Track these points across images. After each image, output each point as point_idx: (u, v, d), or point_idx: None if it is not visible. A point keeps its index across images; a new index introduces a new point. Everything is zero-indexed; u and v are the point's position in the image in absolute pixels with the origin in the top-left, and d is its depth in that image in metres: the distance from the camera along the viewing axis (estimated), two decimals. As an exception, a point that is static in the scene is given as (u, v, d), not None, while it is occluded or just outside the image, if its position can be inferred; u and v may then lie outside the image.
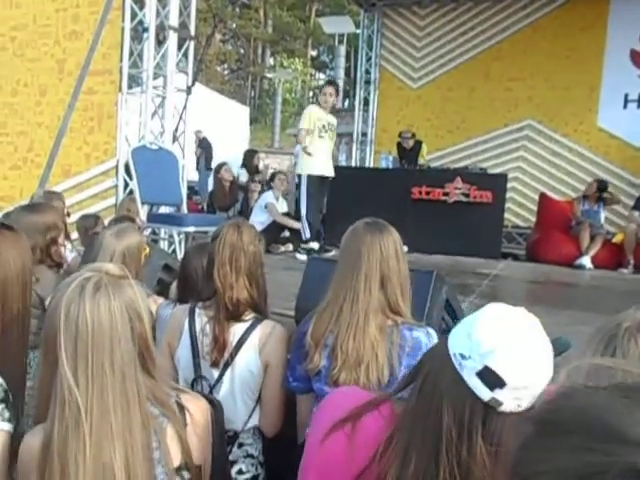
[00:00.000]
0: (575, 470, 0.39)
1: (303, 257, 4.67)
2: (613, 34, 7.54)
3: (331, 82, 5.42)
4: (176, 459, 1.07)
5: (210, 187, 7.87)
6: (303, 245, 4.95)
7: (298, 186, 5.09)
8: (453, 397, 0.86)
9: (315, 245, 4.87)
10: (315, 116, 4.79)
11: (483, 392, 0.84)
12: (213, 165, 7.81)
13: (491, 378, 0.83)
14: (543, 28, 7.92)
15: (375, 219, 1.55)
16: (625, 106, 7.58)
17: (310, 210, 4.80)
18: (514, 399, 0.84)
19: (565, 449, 0.41)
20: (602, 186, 6.10)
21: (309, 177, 4.78)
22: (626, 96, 7.56)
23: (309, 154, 4.77)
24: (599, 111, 7.70)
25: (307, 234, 4.85)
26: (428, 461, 0.86)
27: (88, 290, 1.01)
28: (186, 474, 1.09)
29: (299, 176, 4.88)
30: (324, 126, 4.82)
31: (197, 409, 1.16)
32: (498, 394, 0.84)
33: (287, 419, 1.74)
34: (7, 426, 1.08)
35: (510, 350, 0.84)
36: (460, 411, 0.85)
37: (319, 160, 4.81)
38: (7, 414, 1.07)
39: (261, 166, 8.04)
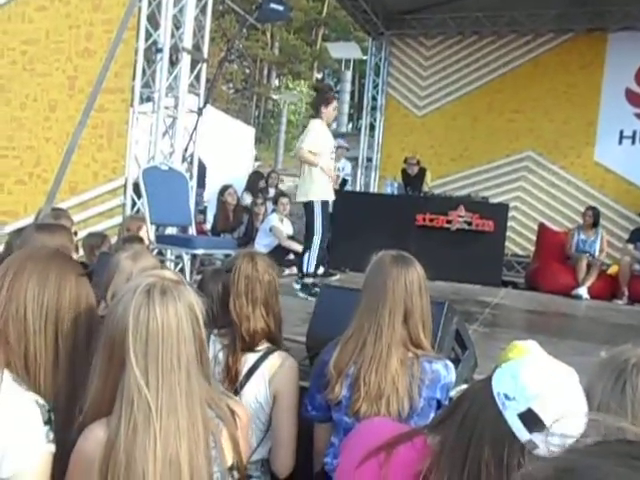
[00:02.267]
0: None
1: (302, 294, 4.27)
2: (610, 72, 7.80)
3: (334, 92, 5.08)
4: (229, 459, 1.14)
5: (203, 204, 7.90)
6: (302, 279, 4.41)
7: (309, 213, 4.47)
8: (493, 435, 0.89)
9: (309, 280, 4.37)
10: (324, 137, 4.39)
11: (522, 433, 0.87)
12: (208, 183, 7.83)
13: (532, 421, 0.87)
14: (544, 64, 8.15)
15: (400, 252, 1.57)
16: (620, 142, 7.81)
17: (324, 240, 4.39)
18: (549, 445, 0.86)
19: None
20: (595, 214, 6.30)
21: (322, 203, 4.37)
22: (621, 132, 7.79)
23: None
24: (596, 146, 7.91)
25: (310, 267, 4.35)
26: None
27: (156, 294, 1.07)
28: (236, 474, 1.15)
29: (309, 203, 4.39)
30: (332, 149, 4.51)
31: (243, 413, 1.22)
32: (536, 437, 0.87)
33: (301, 449, 1.73)
34: (52, 447, 1.10)
35: (555, 397, 0.88)
36: (499, 449, 0.88)
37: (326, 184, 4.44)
38: (52, 435, 1.09)
39: (273, 187, 8.02)
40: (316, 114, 4.51)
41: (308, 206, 4.39)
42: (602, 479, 0.42)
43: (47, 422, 1.09)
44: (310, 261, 4.33)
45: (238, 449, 1.15)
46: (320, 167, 4.28)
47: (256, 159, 16.37)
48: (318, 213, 4.33)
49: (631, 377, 0.96)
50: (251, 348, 1.69)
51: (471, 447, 0.90)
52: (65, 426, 1.12)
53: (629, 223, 7.34)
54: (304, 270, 4.37)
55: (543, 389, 0.88)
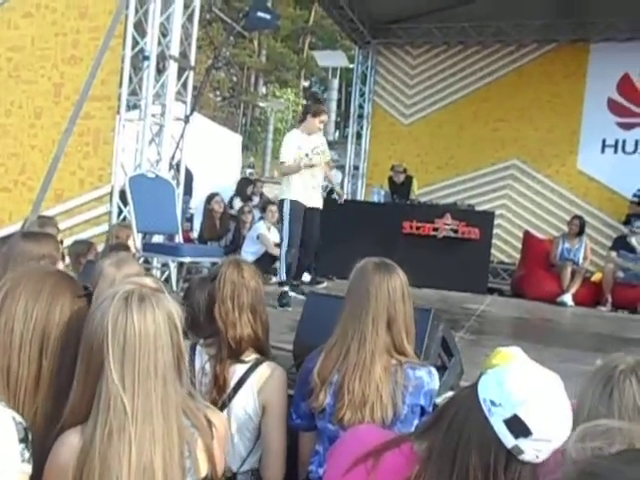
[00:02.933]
0: None
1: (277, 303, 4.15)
2: (592, 82, 7.93)
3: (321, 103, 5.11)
4: (203, 470, 1.13)
5: (190, 212, 7.87)
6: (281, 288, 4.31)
7: (280, 213, 4.47)
8: (480, 440, 0.90)
9: (286, 288, 4.28)
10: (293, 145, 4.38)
11: (508, 439, 0.89)
12: (195, 191, 7.81)
13: (518, 427, 0.88)
14: (528, 74, 8.26)
15: (383, 259, 1.59)
16: (603, 151, 7.94)
17: (292, 246, 4.28)
18: (535, 450, 0.88)
19: None
20: (581, 223, 6.42)
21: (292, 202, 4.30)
22: (604, 141, 7.92)
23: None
24: (579, 154, 8.02)
25: (281, 276, 4.30)
26: None
27: (134, 301, 1.08)
28: None
29: (281, 202, 4.40)
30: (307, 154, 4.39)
31: (221, 424, 1.22)
32: (521, 443, 0.88)
33: (286, 457, 1.72)
34: (27, 468, 1.07)
35: (540, 403, 0.89)
36: (486, 454, 0.90)
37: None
38: (27, 454, 1.07)
39: (258, 196, 8.05)
40: (301, 121, 4.60)
41: (280, 205, 4.44)
42: None
43: (22, 440, 1.06)
44: (280, 271, 4.31)
45: (213, 460, 1.14)
46: (303, 164, 4.27)
47: (250, 166, 16.37)
48: (287, 213, 4.29)
49: (618, 383, 0.99)
50: (237, 356, 1.68)
51: (458, 453, 0.91)
52: (42, 446, 1.10)
53: (612, 231, 7.45)
54: (278, 279, 4.38)
55: (528, 395, 0.89)
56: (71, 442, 1.05)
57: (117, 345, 1.06)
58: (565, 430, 0.89)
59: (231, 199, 7.92)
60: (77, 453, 1.03)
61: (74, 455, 1.03)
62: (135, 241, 3.73)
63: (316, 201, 4.52)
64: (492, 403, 0.91)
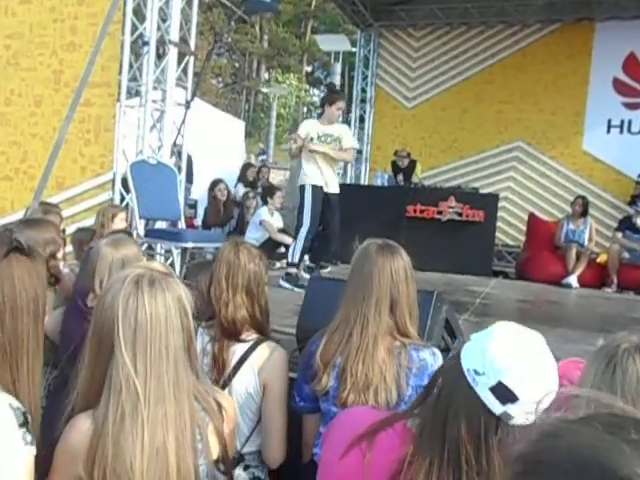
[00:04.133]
0: None
1: (286, 285, 4.23)
2: (597, 62, 7.80)
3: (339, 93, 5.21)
4: (215, 452, 1.14)
5: (192, 199, 7.86)
6: (288, 269, 4.40)
7: (301, 198, 4.52)
8: (468, 411, 0.90)
9: (293, 270, 4.35)
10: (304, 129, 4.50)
11: (495, 406, 0.88)
12: (198, 178, 7.79)
13: (504, 393, 0.87)
14: (532, 54, 8.14)
15: (386, 240, 1.57)
16: (608, 131, 7.83)
17: (311, 232, 4.33)
18: (524, 413, 0.88)
19: None
20: (585, 203, 6.36)
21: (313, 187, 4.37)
22: (609, 122, 7.81)
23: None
24: (584, 135, 7.93)
25: (294, 257, 4.33)
26: (451, 475, 0.89)
27: (145, 285, 1.08)
28: (222, 467, 1.17)
29: (301, 187, 4.45)
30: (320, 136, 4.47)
31: (230, 407, 1.23)
32: (509, 409, 0.88)
33: (290, 440, 1.73)
34: (31, 449, 1.07)
35: (523, 367, 0.88)
36: (475, 424, 0.89)
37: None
38: (29, 437, 1.07)
39: (264, 181, 8.02)
40: (320, 114, 4.73)
41: (300, 190, 4.47)
42: (582, 444, 0.43)
43: (22, 424, 1.06)
44: (295, 252, 4.33)
45: (224, 443, 1.15)
46: (305, 144, 4.37)
47: (261, 153, 16.26)
48: (308, 200, 4.35)
49: (621, 361, 0.98)
50: (235, 336, 1.68)
51: (448, 426, 0.91)
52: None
53: (618, 212, 7.38)
54: (288, 260, 4.41)
55: (511, 361, 0.88)
56: (82, 426, 1.05)
57: (128, 328, 1.06)
58: (552, 388, 0.89)
59: (235, 185, 7.90)
60: (89, 437, 1.03)
61: (85, 440, 1.03)
62: (138, 227, 3.72)
63: (334, 187, 4.60)
64: (476, 372, 0.90)
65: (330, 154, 4.41)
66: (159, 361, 1.06)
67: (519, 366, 0.88)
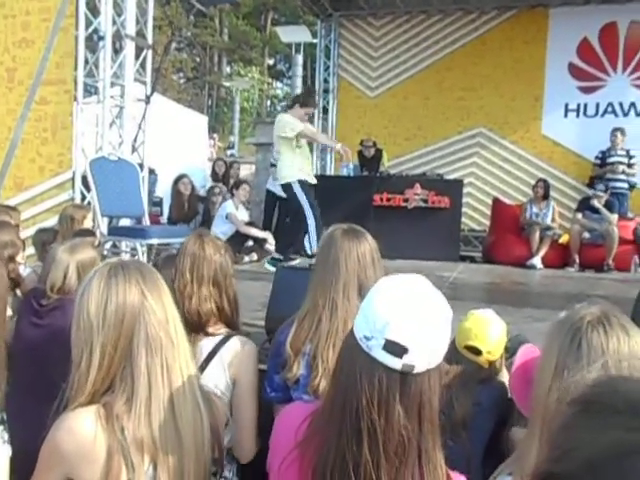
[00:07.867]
0: (630, 445, 0.45)
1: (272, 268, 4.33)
2: (553, 48, 7.98)
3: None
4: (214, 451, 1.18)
5: (157, 196, 7.77)
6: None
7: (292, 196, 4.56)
8: (368, 376, 0.90)
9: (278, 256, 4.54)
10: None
11: (394, 362, 0.89)
12: (163, 174, 7.68)
13: (395, 348, 0.88)
14: (490, 41, 8.27)
15: (352, 225, 1.57)
16: (566, 115, 8.03)
17: (318, 218, 4.43)
18: (424, 359, 0.89)
19: (617, 426, 0.47)
20: (546, 185, 6.51)
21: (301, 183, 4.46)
22: (566, 106, 8.01)
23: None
24: (543, 119, 8.10)
25: (313, 248, 4.38)
26: (350, 440, 0.90)
27: (148, 282, 1.17)
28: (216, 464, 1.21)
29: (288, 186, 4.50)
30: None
31: (220, 406, 1.30)
32: (407, 359, 0.88)
33: (261, 434, 1.72)
34: (8, 448, 1.06)
35: (401, 318, 0.89)
36: (377, 385, 0.89)
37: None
38: (6, 436, 1.04)
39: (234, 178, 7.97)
40: (289, 107, 4.78)
41: (288, 189, 4.52)
42: (634, 389, 0.50)
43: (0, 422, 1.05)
44: (312, 243, 4.42)
45: (218, 437, 1.17)
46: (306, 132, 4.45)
47: (231, 147, 15.91)
48: (299, 194, 4.44)
49: (586, 334, 0.98)
50: (201, 330, 1.65)
51: (348, 396, 0.91)
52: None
53: (578, 194, 7.59)
54: (309, 252, 4.48)
55: (388, 315, 0.89)
56: (81, 426, 1.02)
57: (143, 324, 1.11)
58: (441, 329, 0.90)
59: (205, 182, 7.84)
60: (100, 433, 1.01)
61: (85, 439, 1.01)
62: (100, 225, 3.64)
63: (312, 177, 4.73)
64: (366, 338, 0.91)
65: (337, 147, 4.71)
66: (172, 352, 1.12)
67: (396, 318, 0.88)
